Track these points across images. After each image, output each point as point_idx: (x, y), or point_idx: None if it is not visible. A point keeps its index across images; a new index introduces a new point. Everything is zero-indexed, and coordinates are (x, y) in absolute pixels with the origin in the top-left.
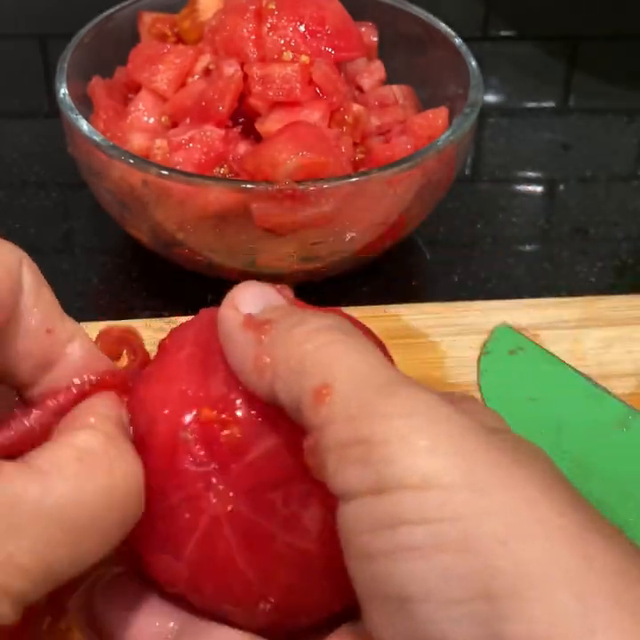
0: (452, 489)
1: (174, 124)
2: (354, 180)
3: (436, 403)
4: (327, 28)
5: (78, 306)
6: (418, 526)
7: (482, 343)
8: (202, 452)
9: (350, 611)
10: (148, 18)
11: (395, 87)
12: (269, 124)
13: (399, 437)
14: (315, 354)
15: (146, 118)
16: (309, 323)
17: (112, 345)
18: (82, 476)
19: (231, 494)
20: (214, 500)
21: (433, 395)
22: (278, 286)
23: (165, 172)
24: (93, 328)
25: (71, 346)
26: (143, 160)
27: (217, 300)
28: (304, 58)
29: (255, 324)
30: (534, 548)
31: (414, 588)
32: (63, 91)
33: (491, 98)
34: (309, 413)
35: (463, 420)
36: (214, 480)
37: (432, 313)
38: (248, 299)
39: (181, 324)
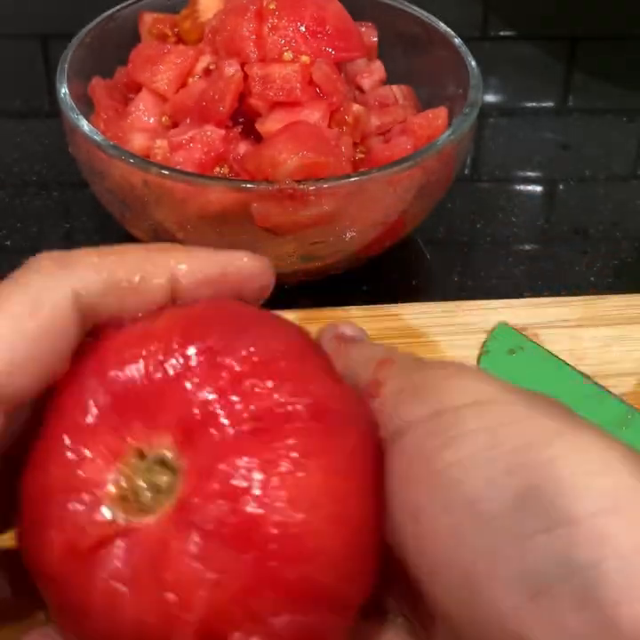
0: (505, 402)
1: (175, 124)
2: (354, 179)
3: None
4: (327, 28)
5: None
6: (480, 433)
7: (481, 342)
8: None
9: None
10: (148, 18)
11: (395, 87)
12: (269, 124)
13: (455, 372)
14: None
15: (146, 118)
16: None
17: None
18: None
19: None
20: None
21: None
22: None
23: (166, 172)
24: None
25: None
26: (144, 160)
27: None
28: (304, 58)
29: None
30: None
31: (482, 491)
32: (64, 91)
33: (490, 98)
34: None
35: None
36: None
37: (432, 312)
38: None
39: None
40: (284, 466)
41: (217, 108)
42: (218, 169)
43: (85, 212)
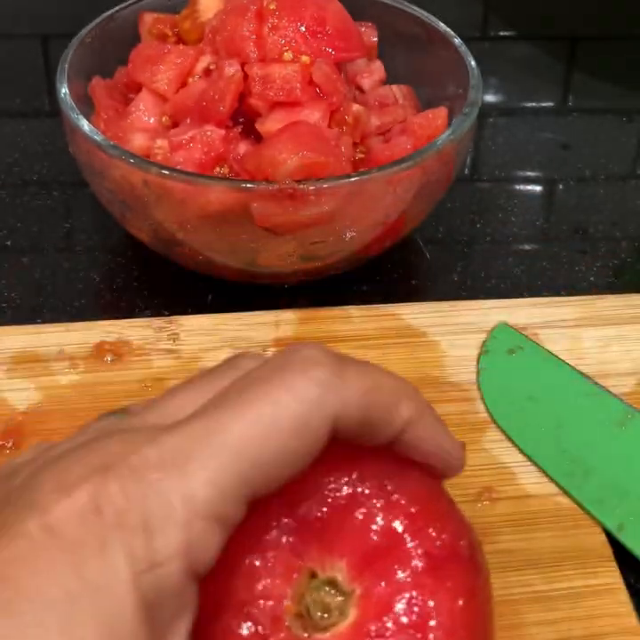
0: None
1: (175, 124)
2: (354, 179)
3: None
4: (328, 28)
5: (79, 305)
6: None
7: (481, 342)
8: None
9: None
10: (148, 18)
11: (394, 87)
12: (270, 124)
13: None
14: None
15: (146, 118)
16: None
17: None
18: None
19: None
20: None
21: None
22: None
23: (166, 172)
24: (94, 327)
25: None
26: (144, 160)
27: (217, 299)
28: (304, 58)
29: None
30: None
31: None
32: (64, 90)
33: (490, 98)
34: None
35: None
36: None
37: (431, 312)
38: None
39: None
40: (460, 601)
41: (217, 107)
42: (218, 169)
43: (85, 212)
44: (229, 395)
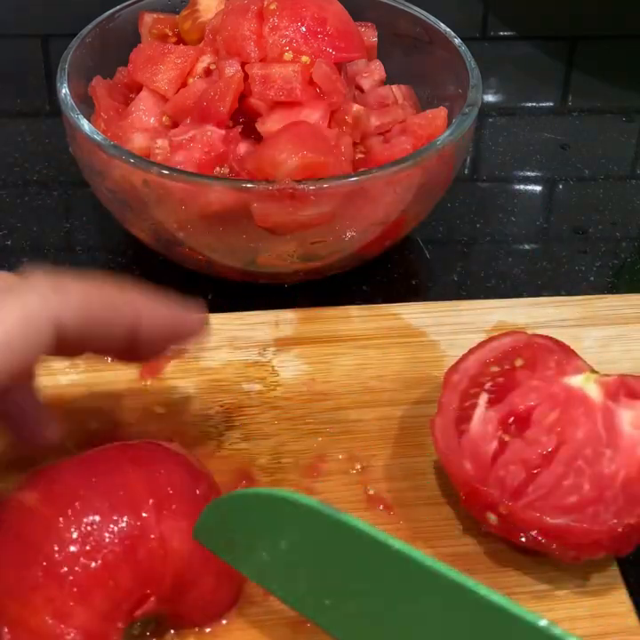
0: None
1: (175, 124)
2: (354, 179)
3: None
4: (328, 28)
5: None
6: None
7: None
8: None
9: None
10: (148, 18)
11: (394, 87)
12: (270, 124)
13: None
14: None
15: (147, 118)
16: None
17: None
18: None
19: None
20: None
21: None
22: None
23: (166, 172)
24: None
25: None
26: (144, 160)
27: (217, 299)
28: (305, 58)
29: None
30: None
31: None
32: (64, 90)
33: (490, 97)
34: None
35: None
36: None
37: (431, 312)
38: None
39: None
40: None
41: (217, 107)
42: (218, 169)
43: (86, 212)
44: None
